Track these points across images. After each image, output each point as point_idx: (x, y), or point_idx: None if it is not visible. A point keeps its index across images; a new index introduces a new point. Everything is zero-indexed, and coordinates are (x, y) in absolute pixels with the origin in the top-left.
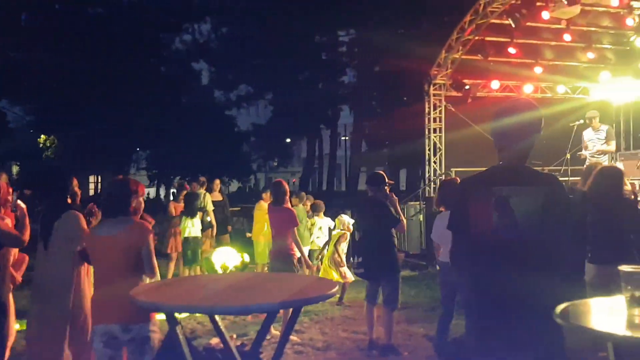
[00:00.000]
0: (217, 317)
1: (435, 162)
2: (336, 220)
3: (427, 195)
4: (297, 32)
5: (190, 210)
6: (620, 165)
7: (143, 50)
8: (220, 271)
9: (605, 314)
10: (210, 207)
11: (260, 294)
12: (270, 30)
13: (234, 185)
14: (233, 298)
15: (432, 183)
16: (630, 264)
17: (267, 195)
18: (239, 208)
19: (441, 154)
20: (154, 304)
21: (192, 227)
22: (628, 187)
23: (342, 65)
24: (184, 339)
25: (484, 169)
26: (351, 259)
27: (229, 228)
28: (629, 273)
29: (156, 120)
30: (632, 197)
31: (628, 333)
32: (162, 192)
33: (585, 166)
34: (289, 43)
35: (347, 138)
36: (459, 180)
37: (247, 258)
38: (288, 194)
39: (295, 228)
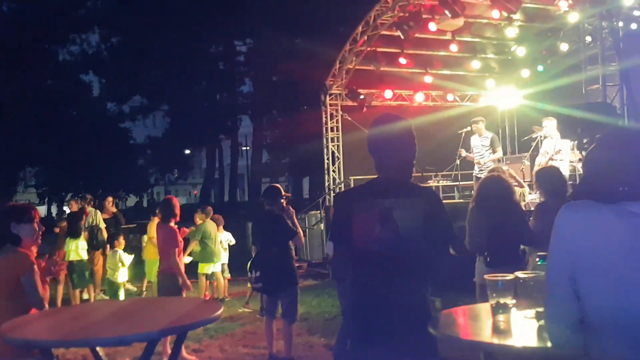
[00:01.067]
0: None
1: (334, 171)
2: None
3: (327, 204)
4: (191, 42)
5: (73, 231)
6: (506, 169)
7: (27, 62)
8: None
9: (474, 321)
10: (102, 225)
11: (140, 322)
12: (163, 40)
13: (132, 200)
14: (111, 328)
15: (332, 192)
16: (521, 267)
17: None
18: (135, 225)
19: (340, 163)
20: (25, 340)
21: (75, 250)
22: (517, 189)
23: (240, 75)
24: None
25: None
26: (248, 273)
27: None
28: (493, 282)
29: (44, 135)
30: (520, 196)
31: (494, 340)
32: (54, 211)
33: (474, 176)
34: (183, 53)
35: (247, 148)
36: (340, 193)
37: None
38: (177, 212)
39: (177, 248)
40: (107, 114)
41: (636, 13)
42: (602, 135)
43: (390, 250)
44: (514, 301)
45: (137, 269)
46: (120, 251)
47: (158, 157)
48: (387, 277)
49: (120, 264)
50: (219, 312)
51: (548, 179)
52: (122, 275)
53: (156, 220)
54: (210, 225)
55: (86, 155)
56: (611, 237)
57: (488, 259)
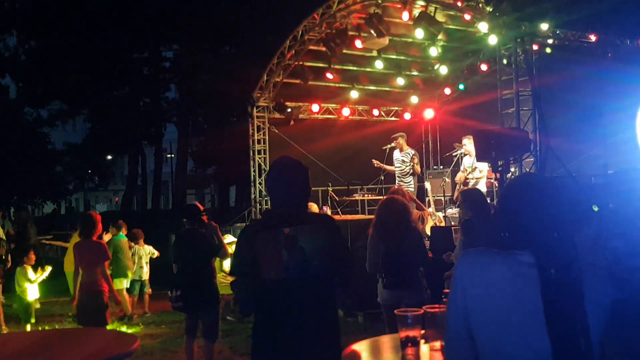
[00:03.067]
0: None
1: (260, 184)
2: None
3: (253, 216)
4: (114, 46)
5: None
6: (428, 185)
7: None
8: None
9: (385, 354)
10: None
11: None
12: (84, 44)
13: (49, 207)
14: None
15: (258, 204)
16: (418, 289)
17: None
18: (50, 236)
19: (266, 175)
20: None
21: None
22: (415, 213)
23: (164, 81)
24: None
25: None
26: (169, 292)
27: None
28: (402, 316)
29: None
30: (419, 218)
31: None
32: None
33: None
34: (106, 57)
35: (172, 155)
36: (243, 228)
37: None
38: (99, 227)
39: (107, 262)
40: (24, 118)
41: (549, 40)
42: (508, 182)
43: (299, 275)
44: (422, 333)
45: (58, 282)
46: (29, 268)
47: (77, 164)
48: (299, 303)
49: (27, 282)
50: (136, 344)
51: (473, 200)
52: (32, 293)
53: (76, 235)
54: (123, 241)
55: (0, 159)
56: (498, 285)
57: (385, 281)
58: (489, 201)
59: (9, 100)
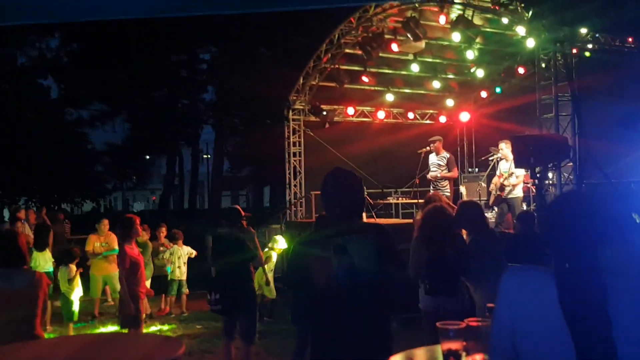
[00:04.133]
0: None
1: (295, 186)
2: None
3: (287, 218)
4: (153, 49)
5: (40, 243)
6: (463, 189)
7: None
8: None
9: None
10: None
11: None
12: (124, 46)
13: (88, 206)
14: None
15: (293, 206)
16: (459, 298)
17: (100, 226)
18: (85, 236)
19: (301, 177)
20: None
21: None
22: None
23: (202, 83)
24: None
25: None
26: (208, 295)
27: None
28: (444, 330)
29: None
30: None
31: None
32: (7, 215)
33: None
34: (145, 60)
35: (208, 156)
36: (297, 241)
37: None
38: (139, 230)
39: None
40: (65, 119)
41: (589, 45)
42: (552, 200)
43: (349, 284)
44: (464, 345)
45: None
46: (73, 268)
47: (116, 164)
48: (350, 311)
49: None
50: (181, 349)
51: (467, 215)
52: (76, 292)
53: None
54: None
55: (41, 159)
56: (544, 303)
57: (427, 287)
58: (525, 207)
59: (50, 101)
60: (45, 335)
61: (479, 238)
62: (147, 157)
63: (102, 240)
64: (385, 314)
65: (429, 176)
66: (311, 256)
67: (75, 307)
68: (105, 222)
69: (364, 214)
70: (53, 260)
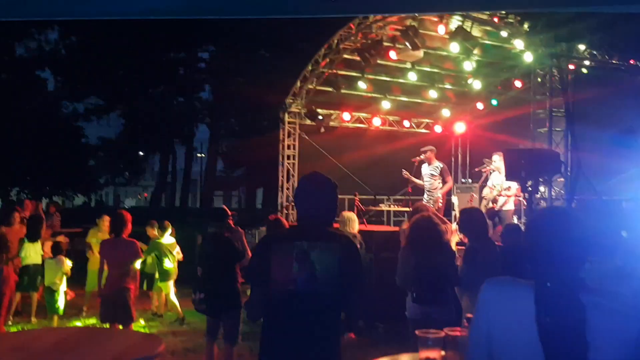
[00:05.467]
0: None
1: (288, 189)
2: None
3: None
4: (151, 45)
5: (32, 234)
6: (455, 199)
7: None
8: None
9: None
10: None
11: (82, 357)
12: (122, 42)
13: (79, 200)
14: None
15: (285, 209)
16: (447, 307)
17: (101, 222)
18: (80, 229)
19: (294, 181)
20: None
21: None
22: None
23: (199, 82)
24: None
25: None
26: (192, 295)
27: None
28: (423, 338)
29: None
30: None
31: None
32: None
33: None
34: (143, 56)
35: (202, 155)
36: (263, 237)
37: None
38: (129, 226)
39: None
40: (61, 111)
41: (586, 61)
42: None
43: (306, 290)
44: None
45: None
46: (63, 259)
47: (110, 159)
48: (302, 316)
49: (60, 274)
50: (161, 347)
51: (470, 221)
52: (61, 285)
53: (99, 230)
54: (168, 244)
55: (35, 151)
56: (520, 314)
57: (414, 296)
58: (515, 220)
59: (47, 93)
60: (28, 327)
61: (477, 246)
62: (141, 153)
63: (101, 237)
64: (336, 326)
65: (423, 186)
66: (274, 256)
67: (61, 301)
68: (106, 218)
69: (355, 223)
70: (42, 253)
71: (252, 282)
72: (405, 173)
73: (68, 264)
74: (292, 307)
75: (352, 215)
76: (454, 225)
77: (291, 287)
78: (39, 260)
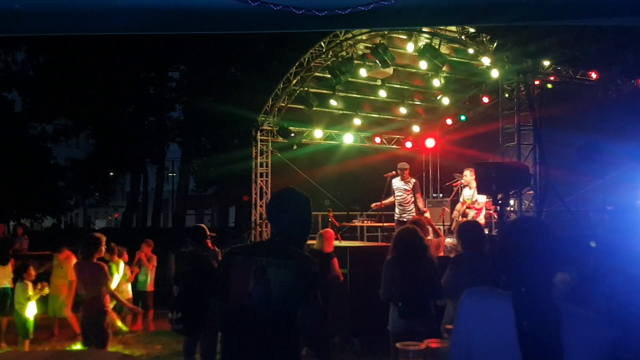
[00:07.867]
0: None
1: (261, 206)
2: None
3: (253, 238)
4: (121, 65)
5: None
6: (427, 214)
7: None
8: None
9: None
10: None
11: None
12: (91, 61)
13: (49, 222)
14: None
15: (258, 227)
16: (431, 319)
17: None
18: (49, 252)
19: (267, 199)
20: None
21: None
22: (434, 241)
23: (170, 101)
24: None
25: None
26: (169, 314)
27: None
28: (404, 350)
29: None
30: (437, 246)
31: None
32: None
33: (395, 219)
34: (112, 76)
35: (174, 174)
36: (228, 250)
37: None
38: (103, 248)
39: (109, 282)
40: (29, 133)
41: (551, 77)
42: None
43: (261, 306)
44: None
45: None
46: (30, 284)
47: (80, 180)
48: (255, 331)
49: (26, 299)
50: None
51: (469, 234)
52: (30, 310)
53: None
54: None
55: (2, 172)
56: (498, 324)
57: (401, 310)
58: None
59: (14, 114)
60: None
61: (467, 254)
62: (111, 173)
63: (57, 265)
64: (292, 340)
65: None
66: (234, 269)
67: (30, 324)
68: (65, 251)
69: (331, 241)
70: (12, 276)
71: (213, 293)
72: (374, 205)
73: (30, 289)
74: (247, 321)
75: (328, 234)
76: (448, 239)
77: (247, 301)
78: (8, 284)
